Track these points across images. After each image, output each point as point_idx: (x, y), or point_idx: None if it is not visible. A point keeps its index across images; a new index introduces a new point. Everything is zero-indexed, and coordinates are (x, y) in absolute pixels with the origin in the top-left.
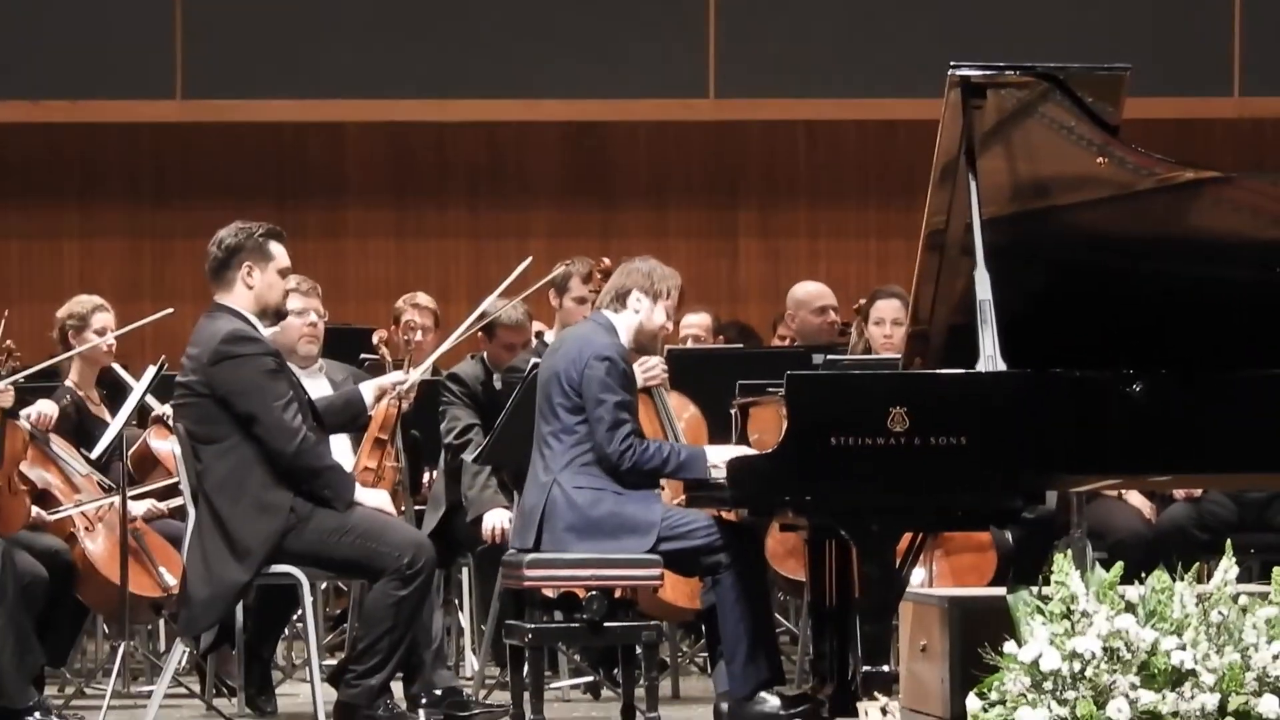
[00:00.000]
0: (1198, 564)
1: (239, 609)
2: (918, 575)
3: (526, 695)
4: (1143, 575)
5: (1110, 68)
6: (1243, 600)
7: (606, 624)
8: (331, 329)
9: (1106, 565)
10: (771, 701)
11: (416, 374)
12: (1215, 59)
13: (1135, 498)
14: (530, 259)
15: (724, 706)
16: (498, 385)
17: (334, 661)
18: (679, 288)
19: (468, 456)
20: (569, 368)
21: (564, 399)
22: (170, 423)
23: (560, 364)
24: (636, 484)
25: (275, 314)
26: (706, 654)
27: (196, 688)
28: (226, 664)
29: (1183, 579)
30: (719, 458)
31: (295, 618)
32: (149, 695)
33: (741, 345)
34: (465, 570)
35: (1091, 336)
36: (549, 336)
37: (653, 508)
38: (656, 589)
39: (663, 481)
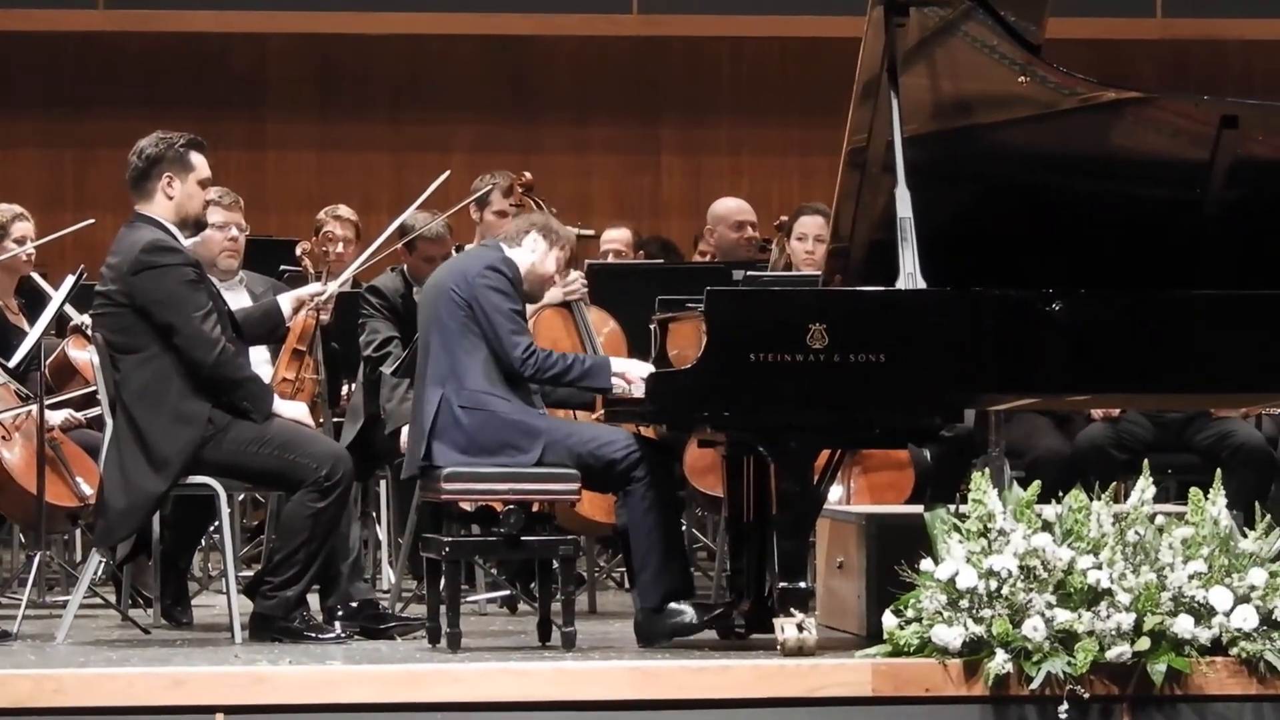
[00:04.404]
0: (1115, 484)
1: (155, 519)
2: (835, 492)
3: (443, 609)
4: (1060, 494)
5: None
6: (1159, 520)
7: (524, 538)
8: (252, 240)
9: (1024, 484)
10: (687, 612)
11: (334, 285)
12: None
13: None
14: (448, 173)
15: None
16: (417, 298)
17: (250, 573)
18: (573, 244)
19: (386, 369)
20: (459, 282)
21: (453, 312)
22: (89, 332)
23: (450, 279)
24: (528, 399)
25: (195, 224)
26: (625, 569)
27: (112, 598)
28: (143, 574)
29: (1100, 498)
30: (621, 361)
31: (212, 529)
32: (64, 605)
33: (662, 261)
34: (383, 483)
35: (1012, 255)
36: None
37: (536, 423)
38: (574, 503)
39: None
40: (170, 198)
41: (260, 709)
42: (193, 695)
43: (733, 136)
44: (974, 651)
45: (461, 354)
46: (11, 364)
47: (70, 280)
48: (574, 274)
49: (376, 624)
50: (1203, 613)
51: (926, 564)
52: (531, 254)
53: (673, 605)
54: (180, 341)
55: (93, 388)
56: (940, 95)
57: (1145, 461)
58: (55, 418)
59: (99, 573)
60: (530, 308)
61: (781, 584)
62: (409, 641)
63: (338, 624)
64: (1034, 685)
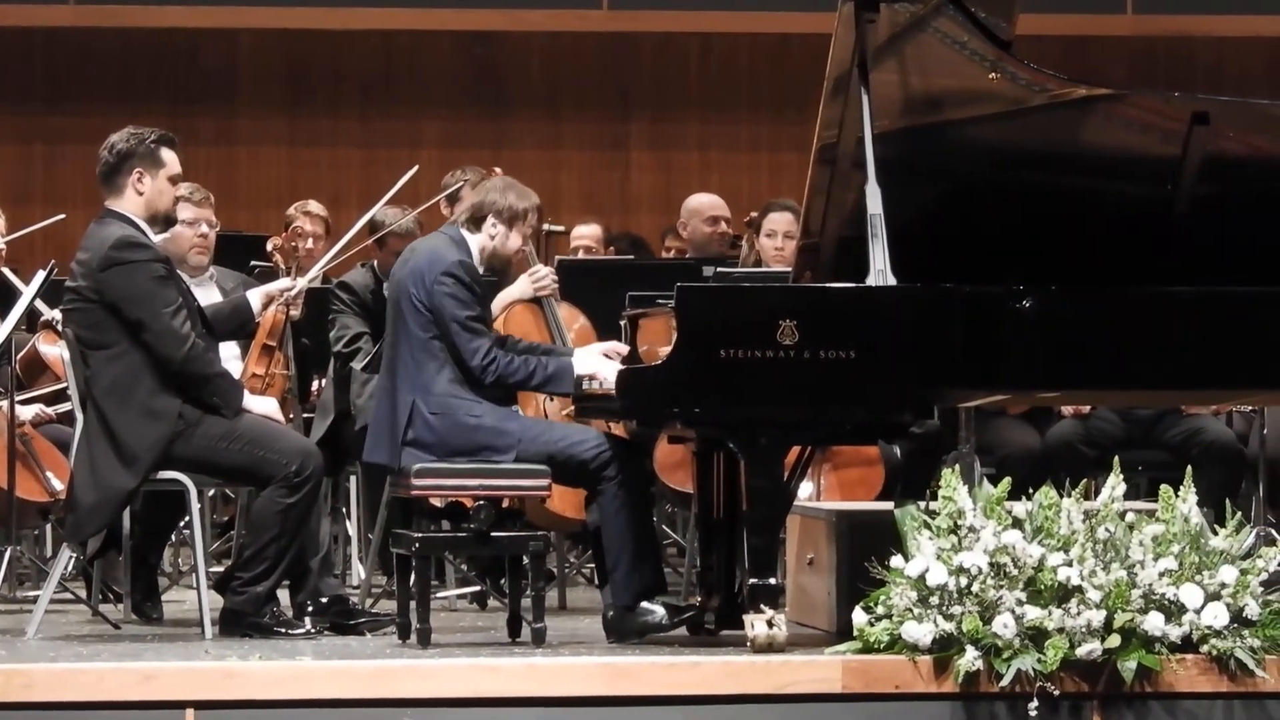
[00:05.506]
0: (1085, 481)
1: (126, 515)
2: (805, 489)
3: (412, 604)
4: (1030, 491)
5: None
6: (1129, 517)
7: (493, 534)
8: (223, 236)
9: (994, 481)
10: (658, 611)
11: (303, 281)
12: None
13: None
14: (416, 168)
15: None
16: (387, 294)
17: (221, 568)
18: (537, 209)
19: (356, 365)
20: (418, 284)
21: (415, 315)
22: (59, 328)
23: (409, 280)
24: (499, 396)
25: (165, 220)
26: (594, 565)
27: (83, 593)
28: (113, 570)
29: (1070, 495)
30: (587, 362)
31: (182, 524)
32: (35, 600)
33: (632, 256)
34: (353, 479)
35: (982, 251)
36: None
37: (508, 425)
38: (544, 499)
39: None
40: (140, 193)
41: (230, 704)
42: (163, 690)
43: (702, 132)
44: (944, 648)
45: (427, 358)
46: None
47: (41, 275)
48: (544, 269)
49: (346, 619)
50: (1173, 610)
51: (897, 561)
52: (491, 239)
53: (644, 604)
54: (150, 337)
55: (63, 383)
56: (911, 91)
57: (1115, 458)
58: (26, 413)
59: (69, 568)
60: (499, 303)
61: (752, 580)
62: (379, 637)
63: (308, 619)
64: (1004, 682)
